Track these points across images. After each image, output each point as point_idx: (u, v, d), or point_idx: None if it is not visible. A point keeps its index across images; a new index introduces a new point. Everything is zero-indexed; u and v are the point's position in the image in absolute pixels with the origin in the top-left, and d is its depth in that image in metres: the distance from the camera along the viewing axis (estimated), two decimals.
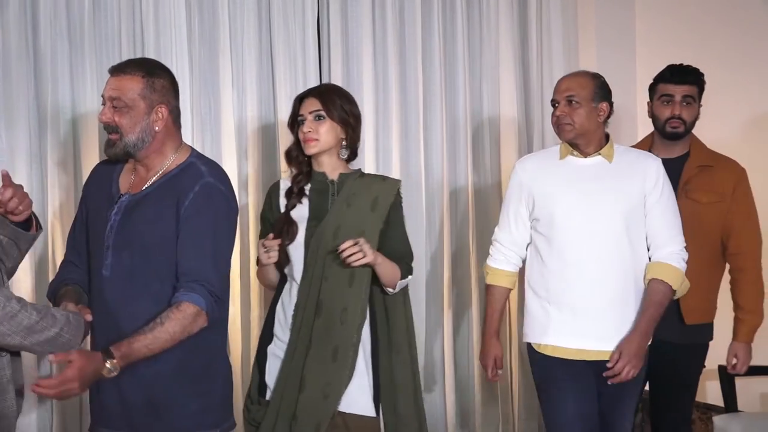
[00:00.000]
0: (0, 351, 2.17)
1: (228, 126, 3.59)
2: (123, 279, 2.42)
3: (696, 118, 3.39)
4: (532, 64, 4.22)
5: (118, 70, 2.46)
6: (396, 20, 3.92)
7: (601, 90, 3.01)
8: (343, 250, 2.70)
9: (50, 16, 3.30)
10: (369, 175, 3.02)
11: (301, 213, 2.87)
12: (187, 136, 3.31)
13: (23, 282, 3.22)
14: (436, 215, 4.02)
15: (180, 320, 2.32)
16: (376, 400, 2.86)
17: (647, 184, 2.95)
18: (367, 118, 3.85)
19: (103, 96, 2.46)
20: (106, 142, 2.46)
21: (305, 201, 2.88)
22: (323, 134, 2.83)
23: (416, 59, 3.95)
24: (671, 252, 2.96)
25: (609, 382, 2.91)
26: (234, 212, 2.52)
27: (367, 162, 3.86)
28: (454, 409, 4.07)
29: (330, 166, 2.89)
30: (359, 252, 2.70)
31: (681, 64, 3.45)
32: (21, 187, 2.39)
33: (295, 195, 2.86)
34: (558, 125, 3.02)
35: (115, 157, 2.48)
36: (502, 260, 3.17)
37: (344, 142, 2.89)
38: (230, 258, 2.51)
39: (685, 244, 3.00)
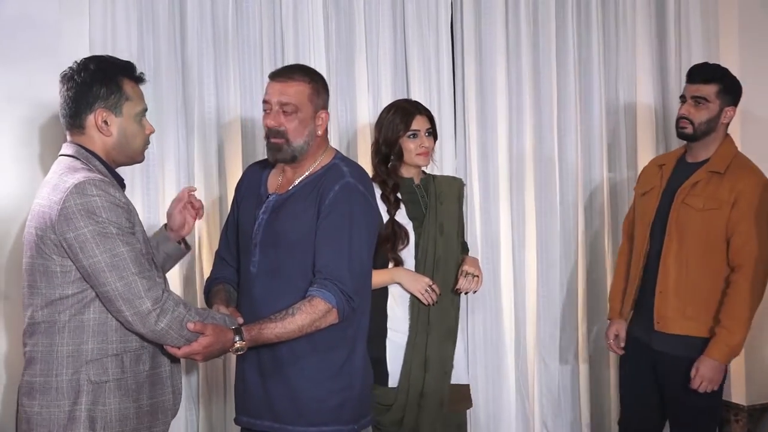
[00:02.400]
0: (164, 351, 2.27)
1: (364, 128, 3.65)
2: (269, 275, 2.49)
3: (713, 120, 3.15)
4: (670, 64, 4.08)
5: (283, 76, 2.52)
6: (529, 20, 3.88)
7: None
8: (462, 287, 3.08)
9: (197, 26, 3.42)
10: (440, 175, 3.32)
11: (401, 217, 3.08)
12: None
13: (173, 279, 3.33)
14: (570, 216, 3.98)
15: (310, 314, 2.37)
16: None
17: None
18: (501, 119, 3.85)
19: (266, 101, 2.51)
20: (270, 146, 2.51)
21: (401, 206, 3.10)
22: (432, 149, 3.14)
23: (550, 59, 3.91)
24: None
25: None
26: (373, 213, 2.55)
27: (501, 163, 3.85)
28: (588, 410, 4.02)
29: (417, 173, 3.17)
30: (474, 278, 3.10)
31: (703, 63, 3.32)
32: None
33: (393, 202, 3.06)
34: None
35: (282, 161, 2.53)
36: None
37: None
38: (368, 257, 2.54)
39: None
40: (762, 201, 3.10)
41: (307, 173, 2.54)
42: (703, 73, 3.19)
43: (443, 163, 3.76)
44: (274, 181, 2.60)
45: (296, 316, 2.37)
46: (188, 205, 2.61)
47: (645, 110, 4.07)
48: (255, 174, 2.67)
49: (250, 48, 3.51)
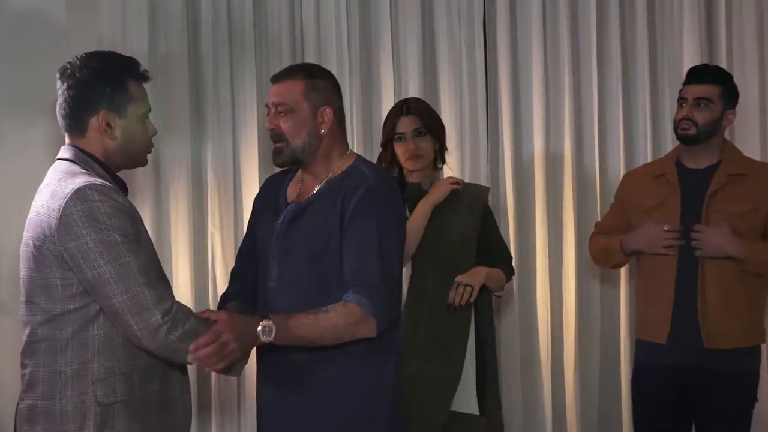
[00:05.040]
0: (173, 366, 2.17)
1: None
2: (288, 289, 2.36)
3: (716, 122, 3.09)
4: (720, 61, 3.79)
5: (278, 77, 2.44)
6: (568, 18, 3.70)
7: None
8: (452, 301, 2.89)
9: (212, 23, 3.35)
10: (457, 179, 3.15)
11: None
12: (350, 142, 3.26)
13: (183, 290, 3.28)
14: None
15: (345, 316, 2.22)
16: (480, 397, 2.98)
17: None
18: (537, 122, 3.70)
19: (267, 105, 2.43)
20: (273, 150, 2.42)
21: None
22: (426, 149, 2.98)
23: (590, 58, 3.73)
24: None
25: None
26: (400, 216, 2.44)
27: (537, 169, 3.71)
28: None
29: (424, 177, 3.02)
30: (466, 289, 2.89)
31: (703, 64, 3.30)
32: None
33: None
34: None
35: (283, 164, 2.43)
36: None
37: (438, 153, 3.05)
38: (399, 262, 2.41)
39: None
40: None
41: (326, 179, 2.42)
42: (706, 73, 3.15)
43: (475, 168, 3.64)
44: (294, 190, 2.49)
45: (330, 313, 2.21)
46: None
47: None
48: (273, 187, 2.56)
49: (268, 46, 3.45)
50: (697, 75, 3.14)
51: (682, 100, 3.14)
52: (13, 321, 2.94)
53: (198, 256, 3.36)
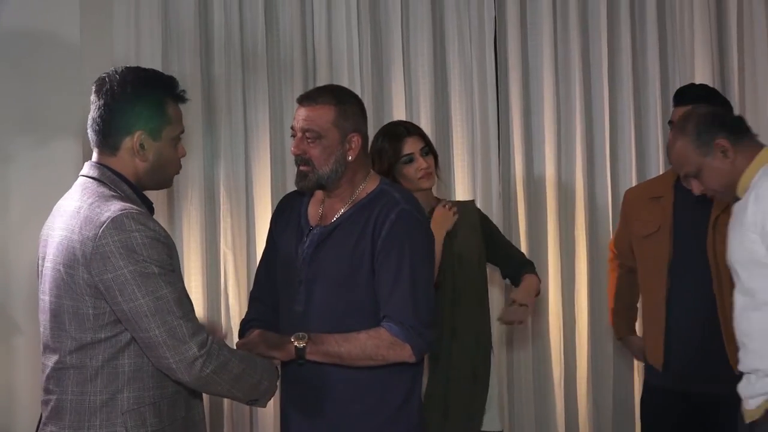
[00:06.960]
0: (196, 391, 2.12)
1: None
2: (316, 314, 2.33)
3: None
4: (731, 77, 3.85)
5: (308, 100, 2.36)
6: (579, 37, 3.71)
7: None
8: (504, 317, 2.94)
9: (224, 45, 3.32)
10: (448, 201, 3.11)
11: None
12: None
13: (195, 310, 3.17)
14: None
15: (373, 338, 2.24)
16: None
17: None
18: (548, 143, 3.68)
19: (293, 127, 2.37)
20: (297, 174, 2.37)
21: None
22: (433, 167, 2.94)
23: (602, 80, 3.73)
24: None
25: None
26: (431, 239, 2.40)
27: (549, 188, 3.68)
28: None
29: (425, 200, 2.90)
30: (522, 308, 2.90)
31: (688, 84, 3.22)
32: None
33: None
34: None
35: (308, 189, 2.39)
36: None
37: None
38: (431, 285, 2.38)
39: None
40: None
41: (350, 202, 2.38)
42: (689, 93, 3.07)
43: (486, 186, 3.61)
44: (315, 212, 2.43)
45: (361, 334, 2.25)
46: None
47: None
48: (292, 205, 2.50)
49: (280, 66, 3.43)
50: (680, 96, 3.08)
51: (670, 123, 3.08)
52: (26, 340, 2.93)
53: (210, 276, 3.32)
